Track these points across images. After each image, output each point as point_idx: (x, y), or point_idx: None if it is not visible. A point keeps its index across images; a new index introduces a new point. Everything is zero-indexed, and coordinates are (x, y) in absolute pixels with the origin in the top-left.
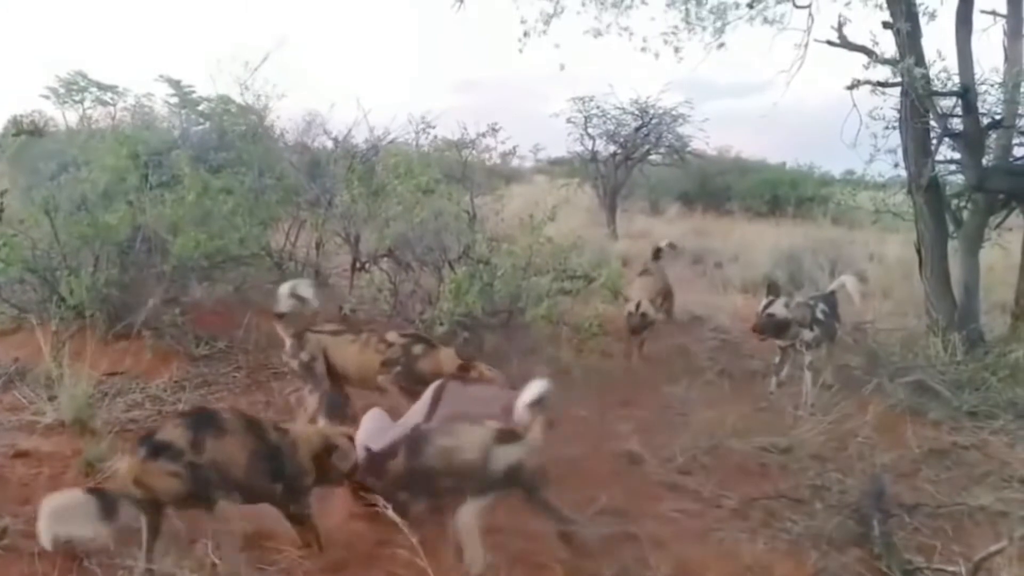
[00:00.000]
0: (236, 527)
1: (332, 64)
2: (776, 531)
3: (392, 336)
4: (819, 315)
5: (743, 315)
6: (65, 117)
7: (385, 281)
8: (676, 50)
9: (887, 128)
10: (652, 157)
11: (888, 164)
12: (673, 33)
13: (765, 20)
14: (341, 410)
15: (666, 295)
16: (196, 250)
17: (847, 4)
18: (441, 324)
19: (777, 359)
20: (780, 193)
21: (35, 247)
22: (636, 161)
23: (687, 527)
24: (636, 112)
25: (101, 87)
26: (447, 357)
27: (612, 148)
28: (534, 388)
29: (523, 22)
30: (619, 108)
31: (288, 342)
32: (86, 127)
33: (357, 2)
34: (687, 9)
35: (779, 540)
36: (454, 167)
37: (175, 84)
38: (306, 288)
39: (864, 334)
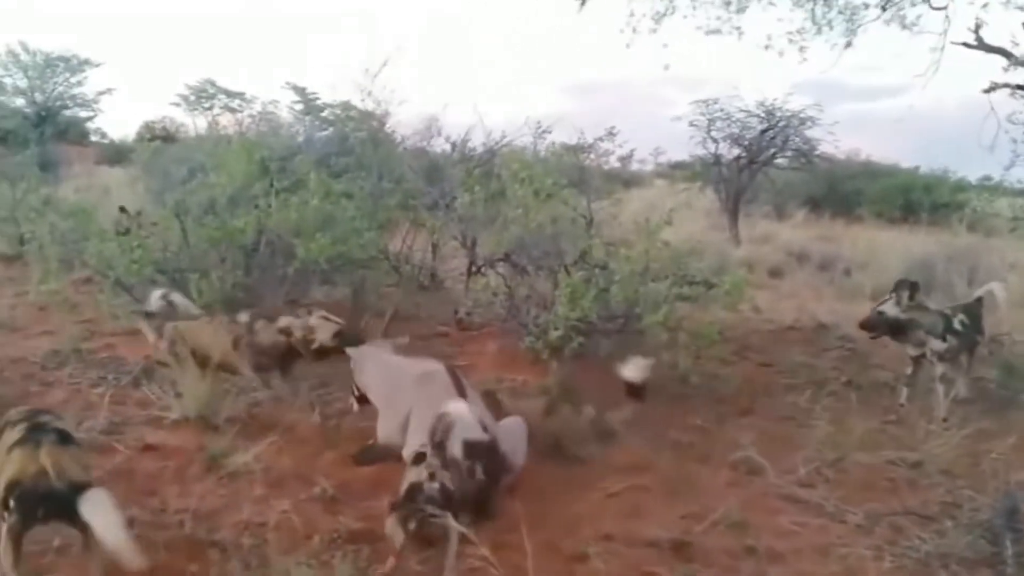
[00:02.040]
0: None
1: (447, 67)
2: (903, 549)
3: (242, 316)
4: (956, 325)
5: None
6: (195, 123)
7: (501, 285)
8: (801, 50)
9: None
10: (778, 161)
11: None
12: (799, 33)
13: (902, 25)
14: None
15: None
16: (320, 254)
17: (985, 5)
18: (556, 329)
19: (909, 370)
20: (913, 198)
21: (165, 249)
22: (761, 164)
23: (808, 542)
24: (762, 115)
25: (229, 94)
26: (283, 323)
27: (736, 151)
28: None
29: (631, 15)
30: (744, 111)
31: (152, 339)
32: (214, 133)
33: (470, 6)
34: (813, 10)
35: (906, 558)
36: (571, 171)
37: (300, 91)
38: (179, 297)
39: (1000, 346)
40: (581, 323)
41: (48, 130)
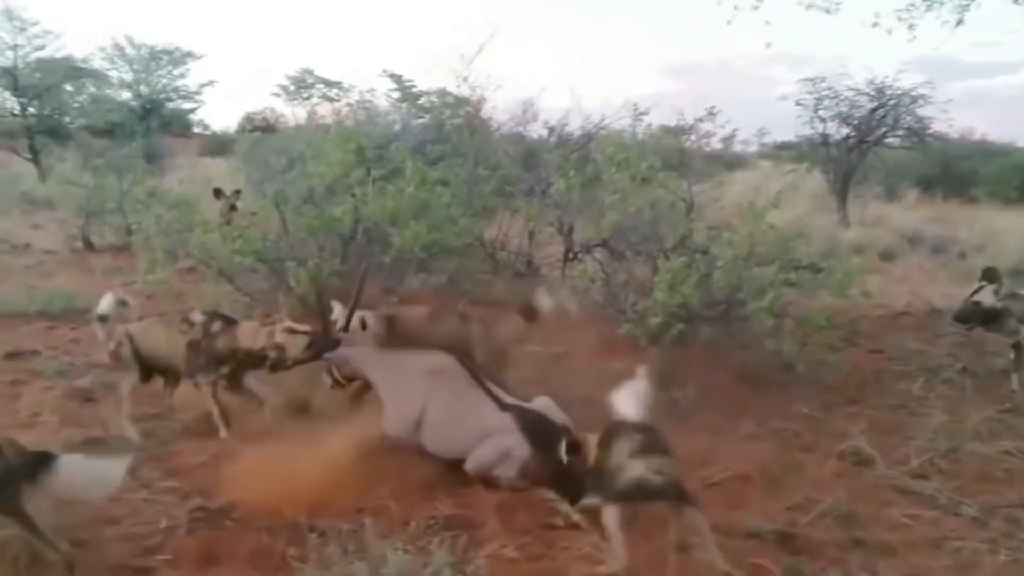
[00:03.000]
0: None
1: (543, 50)
2: (1020, 542)
3: (195, 315)
4: None
5: None
6: (294, 113)
7: (598, 271)
8: (910, 27)
9: None
10: (889, 140)
11: None
12: (907, 10)
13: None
14: None
15: None
16: (416, 242)
17: None
18: (655, 315)
19: (1012, 355)
20: None
21: (266, 238)
22: (871, 144)
23: (920, 535)
24: (872, 93)
25: (327, 84)
26: (246, 332)
27: (845, 131)
28: None
29: None
30: (853, 89)
31: (103, 339)
32: (313, 123)
33: None
34: None
35: (1022, 552)
36: (671, 154)
37: (397, 79)
38: (131, 299)
39: None
40: (681, 309)
41: (153, 122)
